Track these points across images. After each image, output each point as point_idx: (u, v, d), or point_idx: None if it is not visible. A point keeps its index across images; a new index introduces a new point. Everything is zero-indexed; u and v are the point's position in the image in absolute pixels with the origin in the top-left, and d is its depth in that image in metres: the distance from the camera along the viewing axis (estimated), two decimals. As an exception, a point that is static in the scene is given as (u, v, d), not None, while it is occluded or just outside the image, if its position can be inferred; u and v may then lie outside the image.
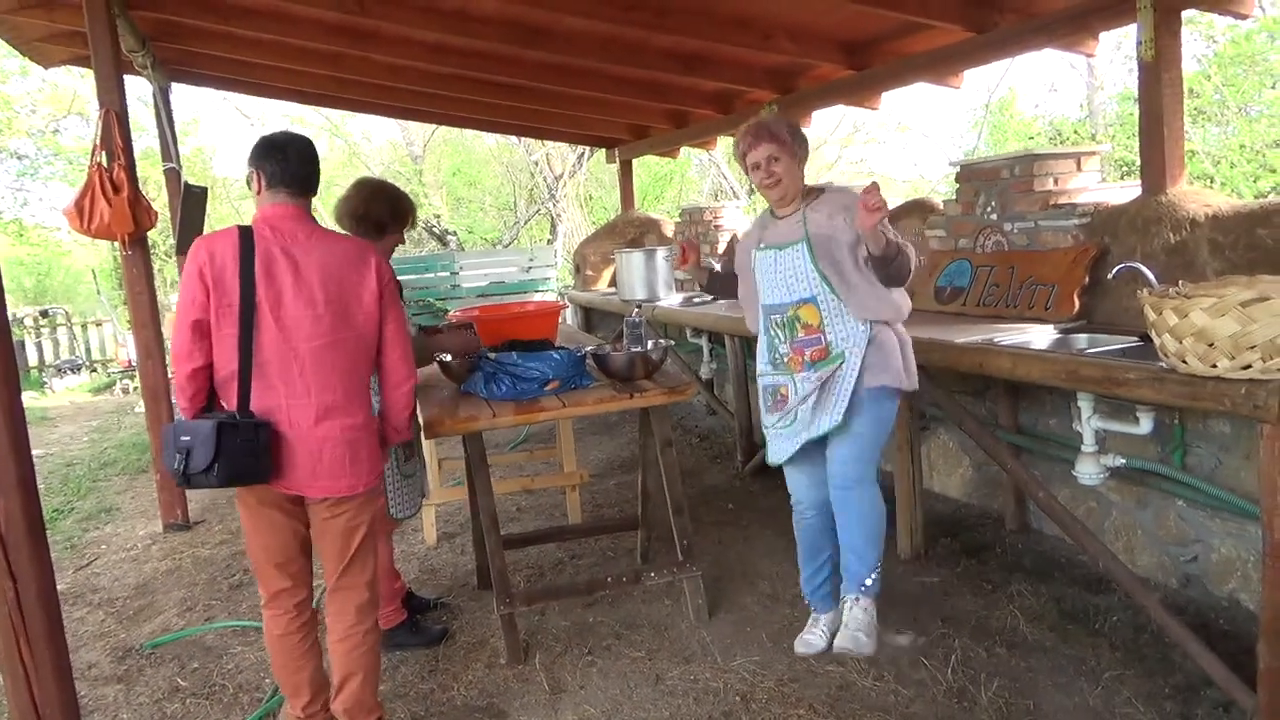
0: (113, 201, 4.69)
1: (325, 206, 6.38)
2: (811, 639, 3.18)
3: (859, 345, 2.95)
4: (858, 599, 3.07)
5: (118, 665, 3.55)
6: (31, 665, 2.09)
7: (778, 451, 3.17)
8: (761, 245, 3.14)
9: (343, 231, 3.24)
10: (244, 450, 2.36)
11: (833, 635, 3.13)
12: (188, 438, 2.36)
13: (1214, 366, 2.37)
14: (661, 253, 6.43)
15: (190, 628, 3.83)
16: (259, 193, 2.54)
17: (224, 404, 2.49)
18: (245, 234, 2.45)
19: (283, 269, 2.44)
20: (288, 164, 2.52)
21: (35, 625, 2.08)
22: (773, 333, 3.13)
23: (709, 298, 6.27)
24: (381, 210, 3.24)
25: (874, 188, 2.73)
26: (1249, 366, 2.30)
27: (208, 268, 2.39)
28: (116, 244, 4.94)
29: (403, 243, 3.46)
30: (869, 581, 3.05)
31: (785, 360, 3.08)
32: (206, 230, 6.86)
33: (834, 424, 2.95)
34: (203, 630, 3.80)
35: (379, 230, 3.23)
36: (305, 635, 2.68)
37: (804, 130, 3.14)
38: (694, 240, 3.42)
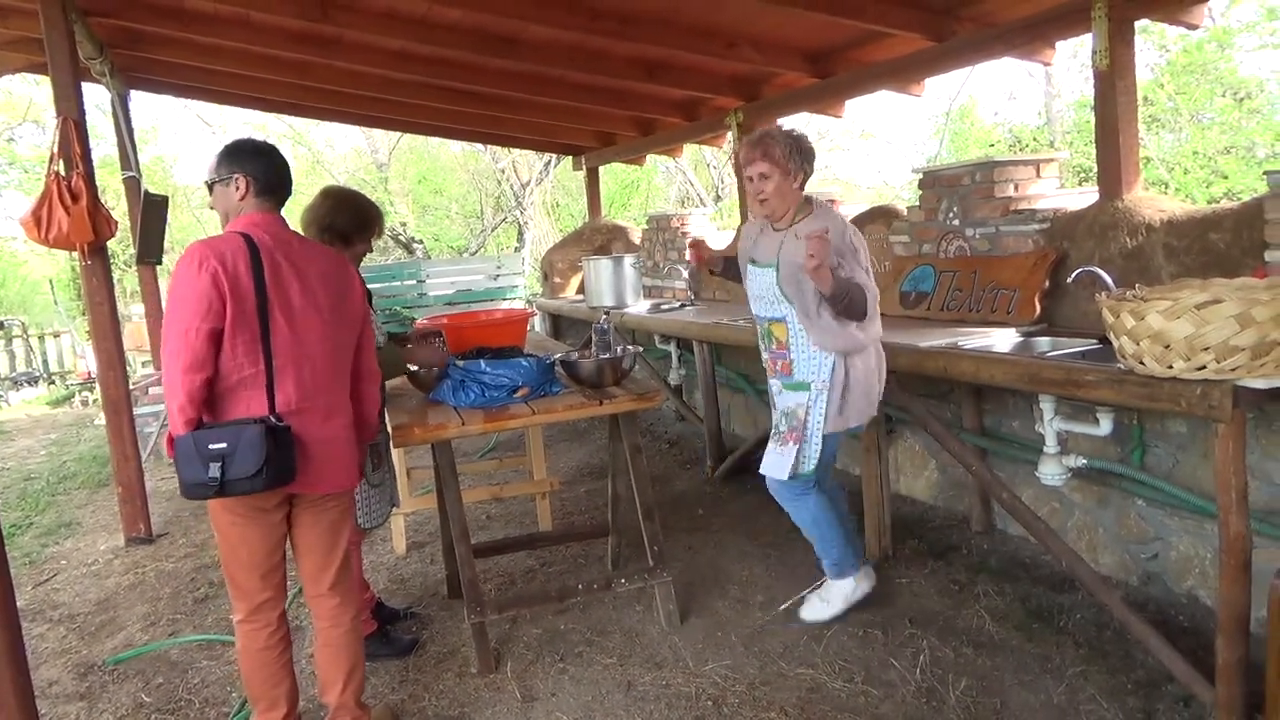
0: (71, 211, 4.62)
1: (291, 216, 6.32)
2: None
3: (824, 380, 3.10)
4: (825, 578, 3.46)
5: (80, 682, 3.48)
6: (-9, 684, 2.05)
7: (764, 464, 3.32)
8: (751, 258, 3.26)
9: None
10: (287, 452, 2.38)
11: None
12: (222, 444, 2.31)
13: (1170, 368, 2.43)
14: (629, 260, 6.44)
15: (154, 643, 3.77)
16: (243, 198, 2.50)
17: (212, 414, 2.42)
18: (249, 240, 2.41)
19: (288, 274, 2.44)
20: (275, 173, 2.52)
21: (-6, 643, 2.04)
22: (760, 339, 3.34)
23: (677, 304, 6.31)
24: (347, 220, 3.21)
25: (817, 242, 2.78)
26: (1204, 368, 2.36)
27: (222, 273, 2.32)
28: (75, 254, 4.86)
29: (370, 251, 3.44)
30: (823, 568, 3.45)
31: (766, 365, 3.32)
32: (167, 240, 6.79)
33: (782, 474, 3.17)
34: (167, 645, 3.73)
35: (345, 240, 3.21)
36: (285, 648, 2.67)
37: (808, 145, 3.12)
38: (698, 239, 3.49)
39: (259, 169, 2.49)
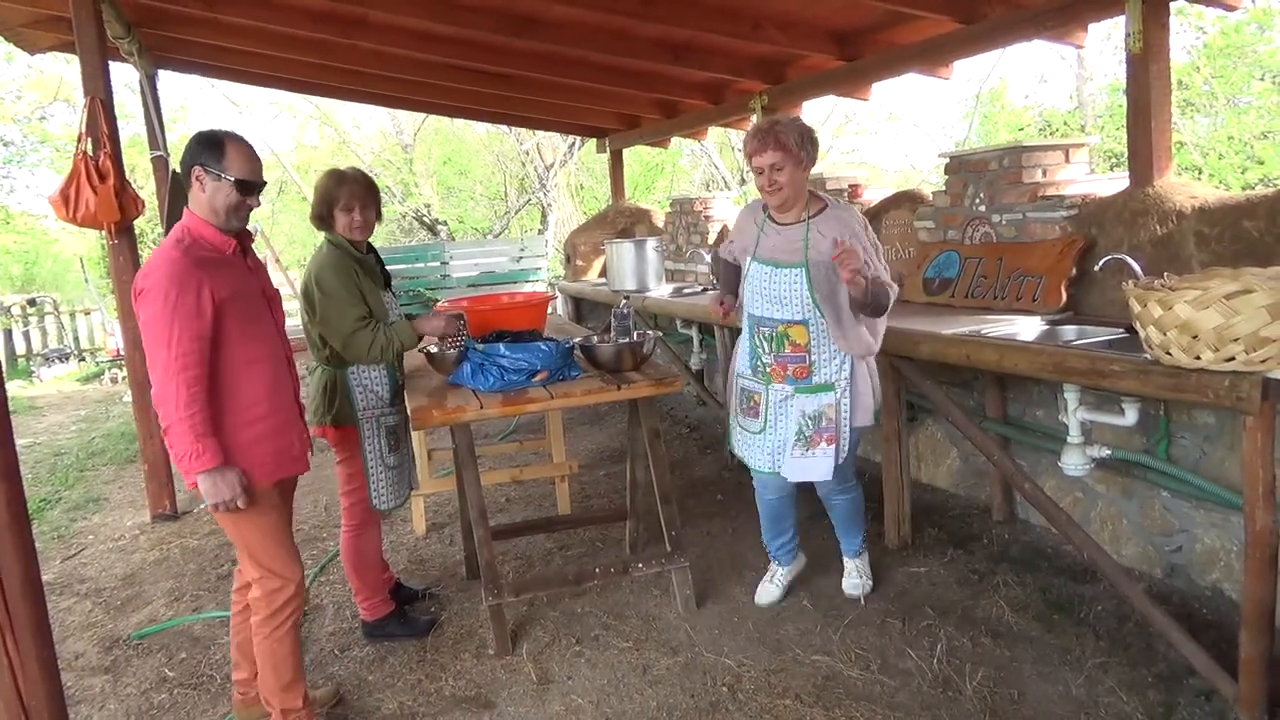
0: (98, 190, 4.66)
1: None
2: (771, 589, 3.52)
3: (844, 380, 3.09)
4: (854, 559, 3.54)
5: (105, 656, 3.54)
6: (16, 656, 2.08)
7: (749, 456, 3.33)
8: (758, 256, 3.14)
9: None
10: None
11: (788, 588, 3.55)
12: None
13: (1198, 358, 2.38)
14: (651, 243, 6.42)
15: (178, 618, 3.82)
16: None
17: None
18: None
19: None
20: None
21: (20, 615, 2.07)
22: (757, 342, 3.19)
23: (699, 288, 6.29)
24: (315, 210, 3.32)
25: (847, 254, 2.73)
26: (1232, 359, 2.32)
27: None
28: (103, 232, 4.91)
29: (360, 211, 3.24)
30: (859, 547, 3.55)
31: (766, 370, 3.18)
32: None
33: (827, 475, 3.13)
34: (190, 620, 3.79)
35: (325, 223, 3.28)
36: (239, 621, 2.91)
37: (815, 135, 3.06)
38: (729, 299, 3.44)
39: None
